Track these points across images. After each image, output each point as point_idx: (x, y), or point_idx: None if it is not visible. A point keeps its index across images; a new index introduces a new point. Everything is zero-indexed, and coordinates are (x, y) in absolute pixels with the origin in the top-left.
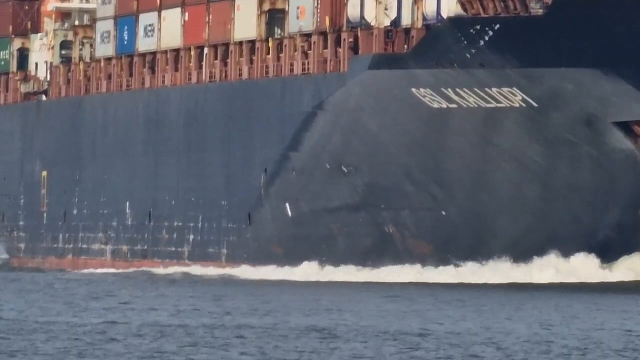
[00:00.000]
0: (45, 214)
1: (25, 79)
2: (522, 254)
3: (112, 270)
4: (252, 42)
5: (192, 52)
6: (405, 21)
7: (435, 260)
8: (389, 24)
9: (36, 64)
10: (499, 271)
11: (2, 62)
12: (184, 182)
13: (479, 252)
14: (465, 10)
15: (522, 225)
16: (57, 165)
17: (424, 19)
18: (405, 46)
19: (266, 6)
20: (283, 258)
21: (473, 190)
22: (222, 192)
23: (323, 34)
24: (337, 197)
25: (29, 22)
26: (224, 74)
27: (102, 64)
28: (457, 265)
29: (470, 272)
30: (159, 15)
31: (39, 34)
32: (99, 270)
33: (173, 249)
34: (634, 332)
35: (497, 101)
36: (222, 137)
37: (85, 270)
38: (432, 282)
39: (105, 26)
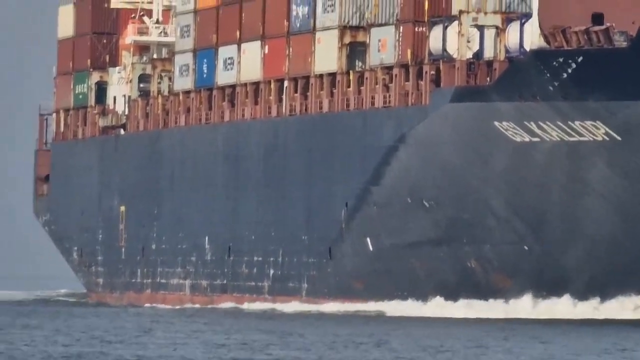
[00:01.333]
0: (123, 249)
1: (104, 112)
2: (603, 288)
3: (189, 304)
4: (332, 75)
5: (272, 85)
6: (488, 54)
7: (516, 294)
8: (471, 57)
9: (114, 97)
10: (582, 306)
11: (81, 96)
12: (263, 216)
13: (563, 287)
14: (548, 42)
15: (606, 260)
16: (136, 199)
17: (507, 51)
18: (488, 79)
19: (347, 39)
20: (364, 293)
21: (556, 225)
22: (302, 226)
23: (405, 66)
24: (419, 231)
25: (107, 56)
26: (304, 107)
27: (180, 97)
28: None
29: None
30: (239, 49)
31: (117, 68)
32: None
33: (253, 283)
34: None
35: (580, 134)
36: (303, 171)
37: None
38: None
39: (184, 59)
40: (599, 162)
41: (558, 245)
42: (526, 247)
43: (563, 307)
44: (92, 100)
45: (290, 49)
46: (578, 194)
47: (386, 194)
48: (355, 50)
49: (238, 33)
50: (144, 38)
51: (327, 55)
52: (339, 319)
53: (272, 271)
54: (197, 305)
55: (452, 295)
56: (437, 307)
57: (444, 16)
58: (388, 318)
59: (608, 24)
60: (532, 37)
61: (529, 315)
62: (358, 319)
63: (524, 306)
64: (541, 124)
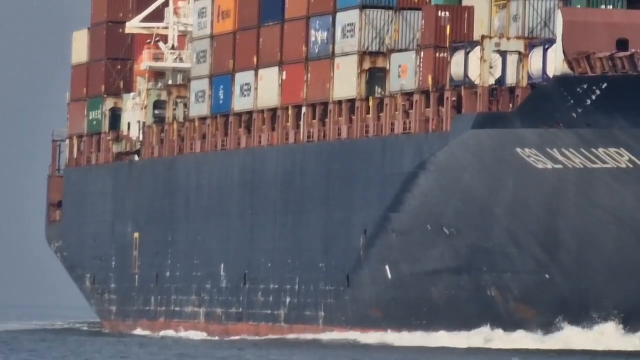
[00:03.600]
0: (137, 276)
1: (118, 139)
2: (628, 318)
3: (204, 334)
4: (351, 101)
5: (290, 111)
6: (510, 80)
7: (538, 325)
8: (493, 83)
9: (128, 123)
10: (606, 337)
11: (95, 122)
12: (280, 243)
13: (584, 317)
14: (572, 68)
15: (629, 289)
16: (150, 226)
17: (529, 77)
18: (510, 105)
19: (366, 65)
20: (382, 321)
21: (578, 253)
22: (319, 254)
23: (425, 92)
24: (438, 259)
25: (121, 82)
26: (322, 134)
27: (196, 123)
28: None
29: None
30: (256, 74)
31: (132, 94)
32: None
33: (269, 311)
34: None
35: (603, 161)
36: (321, 198)
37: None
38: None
39: (200, 85)
40: (622, 189)
41: (579, 273)
42: (547, 276)
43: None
44: (105, 126)
45: (309, 75)
46: (600, 221)
47: (406, 221)
48: (374, 76)
49: (255, 58)
50: (159, 64)
51: (346, 81)
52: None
53: (288, 299)
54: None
55: (471, 324)
56: (458, 337)
57: (465, 41)
58: (406, 348)
59: (633, 50)
60: (556, 63)
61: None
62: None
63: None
64: (564, 150)
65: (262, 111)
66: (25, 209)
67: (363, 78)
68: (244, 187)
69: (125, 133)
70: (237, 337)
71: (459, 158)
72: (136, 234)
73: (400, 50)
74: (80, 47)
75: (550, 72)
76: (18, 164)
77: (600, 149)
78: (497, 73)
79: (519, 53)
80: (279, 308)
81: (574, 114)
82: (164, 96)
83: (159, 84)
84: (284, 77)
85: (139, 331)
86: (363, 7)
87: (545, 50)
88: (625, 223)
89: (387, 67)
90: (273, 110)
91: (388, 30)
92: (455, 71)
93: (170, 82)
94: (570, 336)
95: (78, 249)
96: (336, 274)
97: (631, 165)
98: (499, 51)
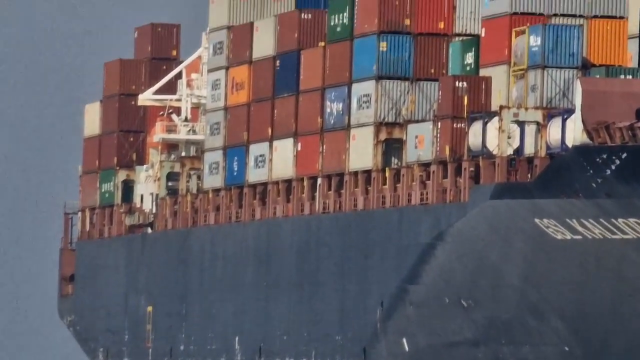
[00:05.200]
0: (150, 350)
1: (130, 211)
2: None
3: None
4: (367, 172)
5: (305, 183)
6: (529, 150)
7: None
8: (511, 153)
9: (141, 196)
10: None
11: (107, 195)
12: (296, 316)
13: None
14: (591, 138)
15: None
16: (163, 299)
17: (548, 147)
18: (529, 175)
19: (383, 135)
20: None
21: (598, 326)
22: (336, 326)
23: (442, 163)
24: (457, 331)
25: (134, 154)
26: (338, 205)
27: (210, 195)
28: None
29: None
30: (271, 146)
31: (145, 166)
32: None
33: None
34: None
35: (624, 232)
36: (337, 270)
37: None
38: None
39: (213, 157)
40: None
41: (599, 345)
42: (567, 348)
43: None
44: (118, 198)
45: (324, 146)
46: (621, 293)
47: (423, 292)
48: (391, 147)
49: (270, 130)
50: (173, 136)
51: (362, 152)
52: None
53: None
54: None
55: None
56: None
57: (483, 112)
58: None
59: None
60: (575, 132)
61: None
62: None
63: None
64: (583, 221)
65: (277, 183)
66: (37, 283)
67: (379, 149)
68: (259, 259)
69: (138, 205)
70: None
71: (477, 229)
72: (149, 307)
73: (417, 121)
74: (92, 120)
75: (570, 142)
76: (30, 238)
77: (621, 220)
78: (516, 143)
79: (538, 123)
80: None
81: (594, 184)
82: (177, 168)
83: (172, 156)
84: (299, 149)
85: None
86: (379, 78)
87: (564, 120)
88: None
89: (404, 138)
90: (288, 182)
91: (404, 101)
92: (473, 142)
93: (183, 154)
94: None
95: (91, 323)
96: (353, 346)
97: None
98: (517, 121)
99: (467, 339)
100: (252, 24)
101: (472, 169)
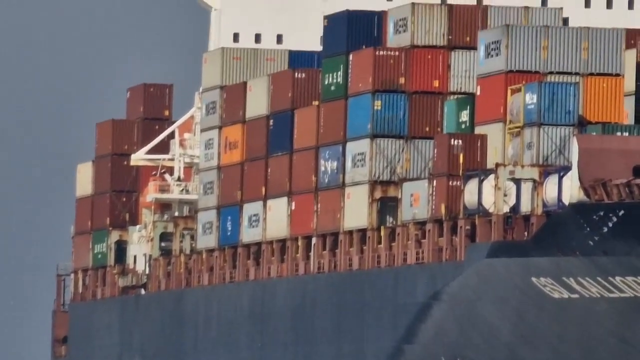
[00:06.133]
0: None
1: (123, 272)
2: None
3: None
4: (362, 231)
5: (300, 242)
6: (525, 208)
7: None
8: (507, 211)
9: (134, 256)
10: None
11: (100, 256)
12: None
13: None
14: (588, 196)
15: None
16: None
17: (544, 205)
18: (525, 233)
19: (378, 194)
20: None
21: None
22: None
23: (438, 221)
24: None
25: (127, 214)
26: (333, 265)
27: (204, 255)
28: None
29: None
30: (264, 205)
31: (138, 226)
32: None
33: None
34: None
35: (621, 291)
36: (332, 330)
37: None
38: None
39: (207, 217)
40: None
41: None
42: None
43: None
44: (111, 259)
45: (319, 205)
46: (619, 353)
47: (419, 352)
48: (386, 206)
49: (264, 189)
50: (166, 196)
51: (356, 211)
52: None
53: None
54: None
55: None
56: None
57: (479, 170)
58: None
59: None
60: (572, 190)
61: None
62: None
63: None
64: (580, 279)
65: (271, 242)
66: (30, 346)
67: (374, 207)
68: (254, 320)
69: (131, 266)
70: None
71: (474, 288)
72: None
73: (412, 179)
74: (84, 180)
75: (566, 200)
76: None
77: (618, 278)
78: (512, 201)
79: (534, 181)
80: None
81: (591, 242)
82: (170, 228)
83: (165, 216)
84: (293, 208)
85: None
86: (374, 136)
87: (560, 178)
88: None
89: (399, 196)
90: (282, 242)
91: (399, 159)
92: (469, 200)
93: (176, 214)
94: None
95: None
96: None
97: None
98: (513, 179)
99: None
100: (245, 83)
101: (468, 227)
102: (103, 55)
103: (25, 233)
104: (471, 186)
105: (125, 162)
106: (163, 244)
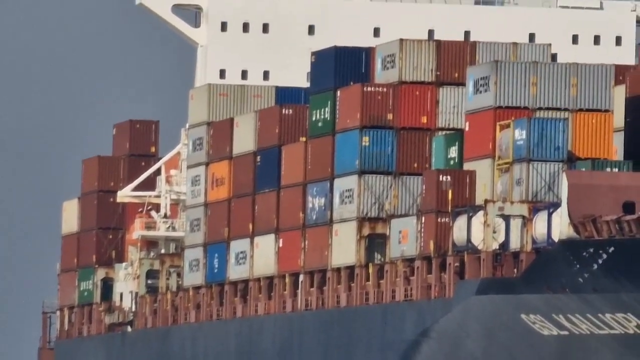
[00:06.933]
0: None
1: (110, 309)
2: None
3: None
4: (350, 268)
5: (287, 280)
6: (514, 244)
7: None
8: (497, 248)
9: (121, 294)
10: None
11: (86, 293)
12: None
13: None
14: (577, 232)
15: None
16: None
17: (534, 242)
18: (515, 270)
19: (366, 231)
20: None
21: None
22: None
23: (427, 258)
24: None
25: (113, 252)
26: (320, 302)
27: (190, 293)
28: None
29: None
30: (252, 242)
31: (124, 264)
32: None
33: None
34: None
35: (611, 328)
36: None
37: None
38: None
39: (194, 254)
40: (630, 356)
41: None
42: None
43: None
44: (97, 297)
45: (306, 242)
46: None
47: None
48: (374, 242)
49: (251, 226)
50: (152, 233)
51: (344, 248)
52: None
53: None
54: None
55: None
56: None
57: (468, 206)
58: None
59: None
60: (561, 226)
61: None
62: None
63: None
64: (570, 316)
65: (258, 280)
66: None
67: (362, 244)
68: (241, 357)
69: (117, 304)
70: None
71: (463, 325)
72: None
73: (400, 216)
74: (70, 217)
75: (556, 236)
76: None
77: (608, 315)
78: (501, 238)
79: (523, 217)
80: None
81: (580, 279)
82: (156, 266)
83: (152, 254)
84: (280, 245)
85: None
86: (362, 172)
87: (550, 214)
88: None
89: (387, 233)
90: (270, 279)
91: (387, 196)
92: (458, 236)
93: (163, 251)
94: None
95: None
96: None
97: (639, 331)
98: (502, 215)
99: None
100: (232, 119)
101: (457, 264)
102: (89, 91)
103: (11, 270)
104: (460, 223)
105: (112, 199)
106: (149, 282)
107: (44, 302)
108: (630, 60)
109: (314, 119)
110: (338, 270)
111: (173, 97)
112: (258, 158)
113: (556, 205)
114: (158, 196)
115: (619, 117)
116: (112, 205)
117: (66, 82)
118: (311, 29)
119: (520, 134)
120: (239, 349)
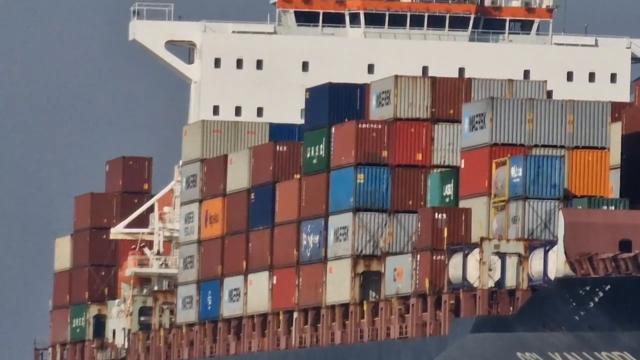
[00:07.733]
0: None
1: (102, 346)
2: None
3: None
4: (345, 306)
5: (281, 317)
6: (510, 282)
7: None
8: (492, 285)
9: (113, 331)
10: None
11: (78, 330)
12: None
13: None
14: (574, 270)
15: None
16: None
17: (530, 279)
18: (510, 308)
19: (360, 268)
20: None
21: None
22: None
23: (422, 296)
24: None
25: (105, 288)
26: (315, 339)
27: (183, 330)
28: None
29: None
30: (245, 279)
31: (117, 300)
32: None
33: None
34: None
35: None
36: None
37: None
38: None
39: (187, 291)
40: None
41: None
42: None
43: None
44: (90, 334)
45: (300, 279)
46: None
47: None
48: (369, 280)
49: (244, 263)
50: (145, 270)
51: (339, 285)
52: None
53: None
54: None
55: None
56: None
57: (463, 244)
58: None
59: (636, 251)
60: (557, 264)
61: None
62: None
63: None
64: (566, 354)
65: (252, 317)
66: None
67: (357, 282)
68: None
69: (110, 341)
70: None
71: None
72: None
73: (395, 254)
74: (63, 254)
75: (552, 274)
76: None
77: (604, 353)
78: (497, 275)
79: (519, 255)
80: None
81: (577, 317)
82: (149, 302)
83: (145, 290)
84: (274, 282)
85: None
86: (356, 210)
87: (546, 252)
88: None
89: (382, 271)
90: (263, 316)
91: (382, 233)
92: (454, 274)
93: (156, 288)
94: None
95: None
96: None
97: None
98: (498, 253)
99: None
100: (226, 156)
101: (452, 301)
102: (81, 127)
103: (3, 306)
104: (455, 260)
105: (104, 236)
106: (142, 318)
107: (35, 338)
108: (625, 97)
109: (308, 155)
110: (332, 307)
111: (166, 133)
112: (252, 195)
113: (552, 243)
114: (151, 233)
115: (615, 155)
116: (105, 242)
117: (59, 118)
118: (305, 66)
119: (516, 172)
120: None
